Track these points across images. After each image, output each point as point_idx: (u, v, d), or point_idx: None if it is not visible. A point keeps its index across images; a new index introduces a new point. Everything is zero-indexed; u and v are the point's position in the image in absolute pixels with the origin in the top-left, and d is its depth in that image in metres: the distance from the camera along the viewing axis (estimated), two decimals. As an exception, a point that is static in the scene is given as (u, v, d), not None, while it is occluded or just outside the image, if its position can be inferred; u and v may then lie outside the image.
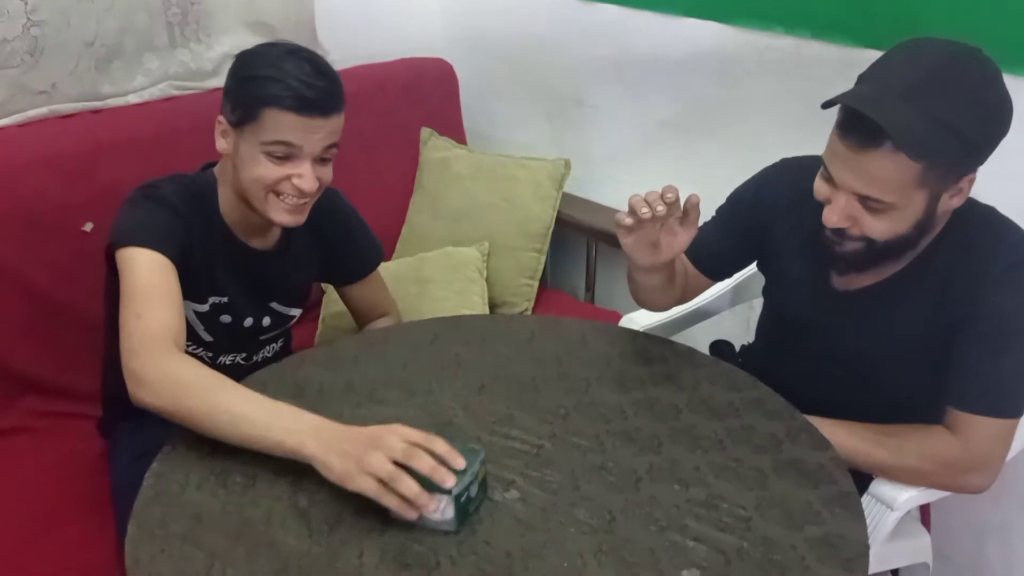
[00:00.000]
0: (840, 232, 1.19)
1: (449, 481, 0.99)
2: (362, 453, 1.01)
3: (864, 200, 1.15)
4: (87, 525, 1.44)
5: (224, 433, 1.12)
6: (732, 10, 1.87)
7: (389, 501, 1.00)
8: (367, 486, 1.00)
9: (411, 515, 1.01)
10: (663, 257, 1.26)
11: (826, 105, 1.12)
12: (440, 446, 1.02)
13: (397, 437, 1.02)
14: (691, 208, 1.21)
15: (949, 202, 1.17)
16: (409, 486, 0.99)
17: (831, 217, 1.18)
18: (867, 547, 1.00)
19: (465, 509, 1.03)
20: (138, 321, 1.20)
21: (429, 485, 1.00)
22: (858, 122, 1.10)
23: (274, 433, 1.08)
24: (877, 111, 1.08)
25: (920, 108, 1.08)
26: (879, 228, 1.17)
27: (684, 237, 1.24)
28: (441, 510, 1.01)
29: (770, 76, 1.85)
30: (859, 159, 1.12)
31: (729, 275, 1.54)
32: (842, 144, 1.13)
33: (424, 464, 1.00)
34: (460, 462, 1.02)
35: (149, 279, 1.24)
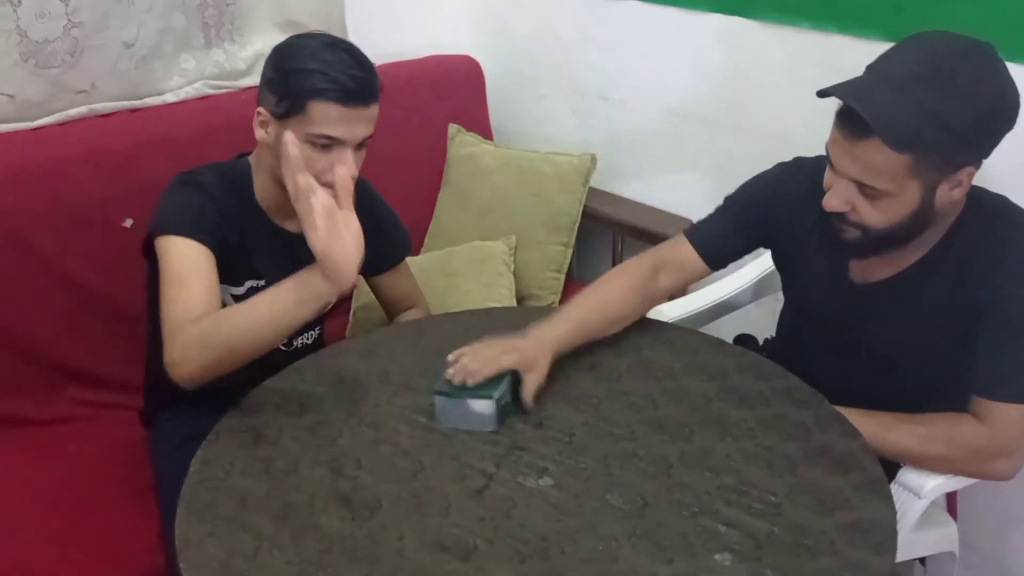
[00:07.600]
0: (840, 218, 1.22)
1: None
2: None
3: (861, 187, 1.18)
4: (129, 511, 1.48)
5: (270, 337, 1.22)
6: (758, 5, 1.89)
7: None
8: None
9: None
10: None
11: (820, 94, 1.15)
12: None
13: None
14: None
15: (949, 194, 1.18)
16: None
17: (830, 201, 1.21)
18: (895, 531, 1.02)
19: (504, 411, 1.22)
20: (172, 307, 1.25)
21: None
22: (852, 112, 1.13)
23: (306, 307, 1.21)
24: (864, 103, 1.11)
25: (911, 99, 1.10)
26: (874, 216, 1.19)
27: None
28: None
29: (795, 70, 1.86)
30: (853, 148, 1.15)
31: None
32: (839, 133, 1.17)
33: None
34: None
35: (182, 265, 1.29)
